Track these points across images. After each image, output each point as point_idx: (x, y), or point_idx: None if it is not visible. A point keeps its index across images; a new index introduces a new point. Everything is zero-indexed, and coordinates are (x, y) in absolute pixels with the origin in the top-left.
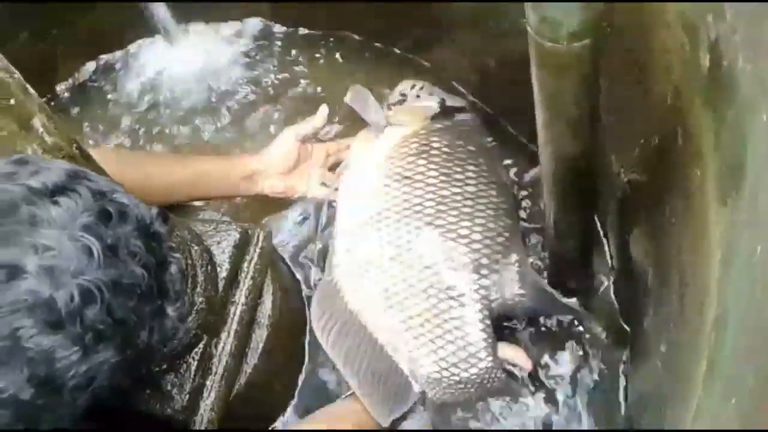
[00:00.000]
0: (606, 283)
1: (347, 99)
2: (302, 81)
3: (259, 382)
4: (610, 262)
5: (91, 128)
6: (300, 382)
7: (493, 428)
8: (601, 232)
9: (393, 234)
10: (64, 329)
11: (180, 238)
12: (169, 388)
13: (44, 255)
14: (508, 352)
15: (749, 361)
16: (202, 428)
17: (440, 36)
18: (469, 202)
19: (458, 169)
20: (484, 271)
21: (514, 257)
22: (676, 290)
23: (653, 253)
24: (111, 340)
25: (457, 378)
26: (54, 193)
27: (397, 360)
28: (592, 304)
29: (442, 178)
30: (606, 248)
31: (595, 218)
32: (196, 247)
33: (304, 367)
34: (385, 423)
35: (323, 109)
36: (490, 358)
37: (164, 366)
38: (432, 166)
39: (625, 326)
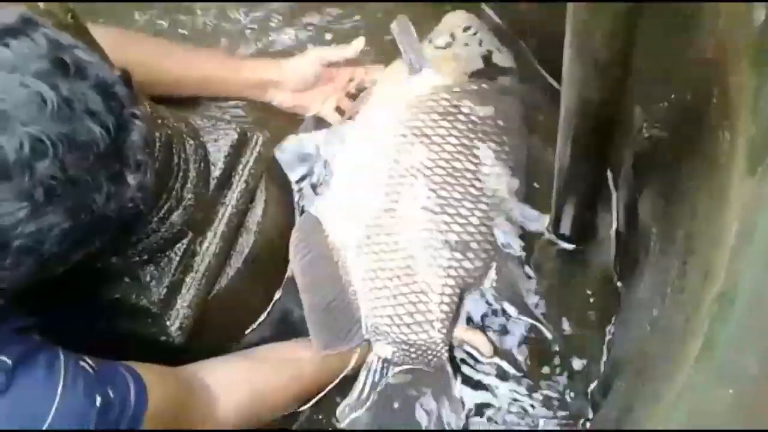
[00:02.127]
0: (607, 238)
1: (392, 27)
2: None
3: (239, 287)
4: (615, 217)
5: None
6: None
7: (492, 428)
8: (612, 186)
9: (395, 187)
10: (11, 180)
11: (176, 130)
12: (147, 279)
13: None
14: (467, 334)
15: (755, 346)
16: (177, 324)
17: None
18: (478, 183)
19: (479, 144)
20: (470, 255)
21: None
22: (680, 256)
23: (662, 215)
24: (62, 200)
25: (404, 338)
26: (4, 34)
27: (356, 303)
28: (590, 257)
29: (461, 149)
30: (613, 203)
31: (608, 171)
32: (191, 141)
33: (284, 280)
34: (319, 350)
35: (359, 42)
36: (444, 331)
37: (145, 257)
38: (455, 132)
39: (619, 284)
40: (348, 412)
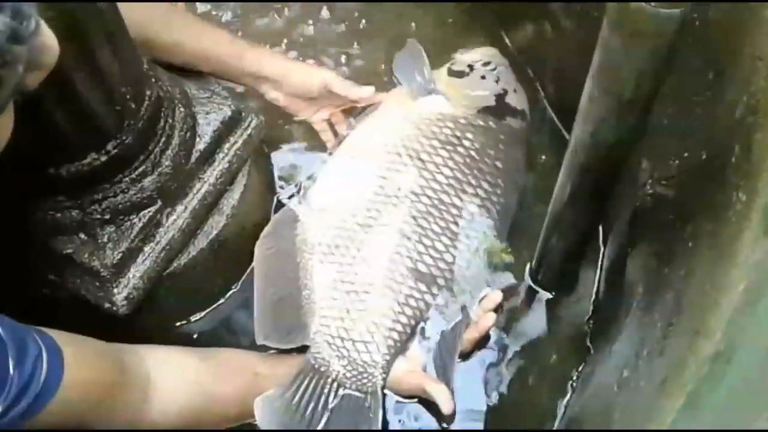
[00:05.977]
0: (586, 293)
1: (397, 55)
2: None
3: (198, 270)
4: (599, 272)
5: None
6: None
7: (490, 428)
8: (601, 238)
9: (377, 204)
10: None
11: (168, 94)
12: (105, 240)
13: None
14: (431, 385)
15: (754, 411)
16: (124, 294)
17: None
18: (463, 222)
19: (473, 181)
20: (434, 290)
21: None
22: (665, 316)
23: (651, 273)
24: None
25: (346, 353)
26: None
27: (306, 308)
28: (564, 309)
29: (453, 182)
30: (600, 256)
31: (600, 223)
32: (182, 109)
33: (245, 274)
34: (258, 340)
35: (369, 89)
36: (387, 358)
37: (107, 217)
38: (451, 163)
39: (589, 345)
40: (265, 405)
